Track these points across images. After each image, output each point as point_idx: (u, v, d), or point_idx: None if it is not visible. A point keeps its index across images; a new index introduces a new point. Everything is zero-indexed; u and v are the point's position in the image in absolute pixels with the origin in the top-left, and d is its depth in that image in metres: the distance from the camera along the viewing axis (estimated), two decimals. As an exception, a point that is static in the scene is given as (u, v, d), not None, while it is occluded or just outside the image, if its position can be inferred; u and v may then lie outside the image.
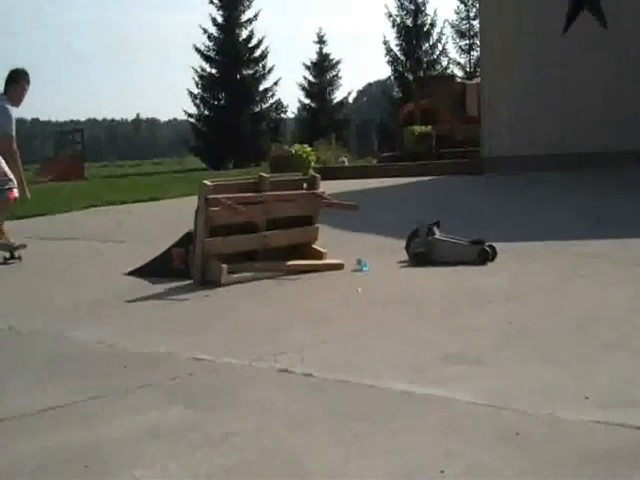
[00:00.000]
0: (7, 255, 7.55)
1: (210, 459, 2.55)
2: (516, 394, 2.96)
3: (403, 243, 6.33)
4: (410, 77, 45.18)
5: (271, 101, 47.45)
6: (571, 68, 13.74)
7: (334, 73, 52.36)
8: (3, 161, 7.59)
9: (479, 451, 2.47)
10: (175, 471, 2.49)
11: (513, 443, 2.51)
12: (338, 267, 6.13)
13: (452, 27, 48.25)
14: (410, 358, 3.54)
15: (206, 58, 46.61)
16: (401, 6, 47.76)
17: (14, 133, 7.69)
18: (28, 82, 7.92)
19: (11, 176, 7.57)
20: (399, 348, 3.74)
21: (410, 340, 3.89)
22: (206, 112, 46.24)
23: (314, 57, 52.16)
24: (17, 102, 7.81)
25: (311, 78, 52.00)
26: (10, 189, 7.55)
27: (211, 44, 46.65)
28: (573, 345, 3.63)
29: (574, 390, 2.97)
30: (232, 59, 45.34)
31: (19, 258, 7.52)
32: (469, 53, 48.05)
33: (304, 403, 3.04)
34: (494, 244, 6.05)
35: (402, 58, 49.04)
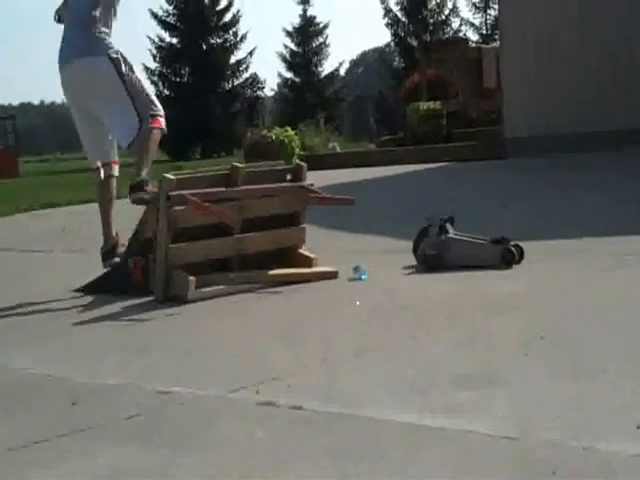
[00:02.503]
0: None
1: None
2: (543, 422, 2.98)
3: (410, 244, 6.35)
4: (414, 42, 45.28)
5: (245, 76, 47.66)
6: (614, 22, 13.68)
7: (321, 40, 52.62)
8: (138, 72, 6.56)
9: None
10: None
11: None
12: (331, 276, 6.14)
13: (463, -20, 48.35)
14: (414, 382, 3.56)
15: (165, 25, 46.62)
16: (400, -45, 47.91)
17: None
18: None
19: (154, 97, 6.66)
20: (402, 371, 3.75)
21: (415, 360, 3.91)
22: (166, 91, 46.30)
23: (296, 21, 52.32)
24: None
25: (293, 47, 52.18)
26: (155, 116, 6.53)
27: (171, 8, 46.69)
28: (612, 359, 3.65)
29: (616, 416, 2.99)
30: (197, 26, 45.39)
31: None
32: (485, 11, 48.27)
33: (290, 441, 3.05)
34: (520, 243, 6.07)
35: (404, 19, 49.18)
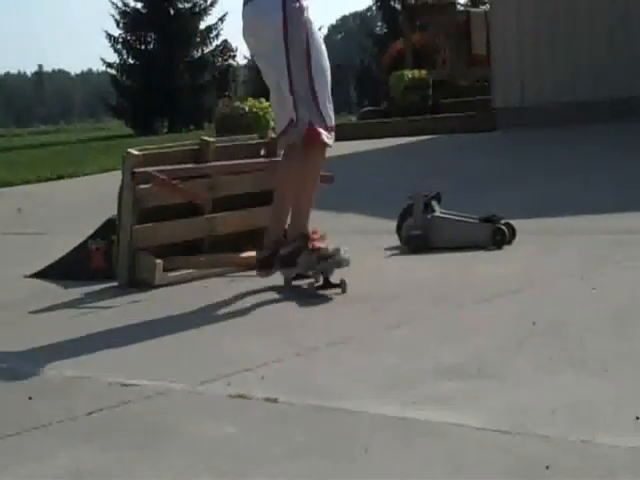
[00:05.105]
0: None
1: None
2: (537, 415, 2.98)
3: (393, 224, 6.34)
4: (398, 6, 45.17)
5: (216, 43, 47.33)
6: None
7: (298, 4, 52.37)
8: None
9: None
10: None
11: None
12: (308, 258, 6.12)
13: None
14: (399, 373, 3.56)
15: (129, -12, 46.34)
16: None
17: None
18: None
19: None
20: (384, 361, 3.75)
21: (398, 350, 3.90)
22: (130, 60, 46.01)
23: (271, -17, 52.07)
24: None
25: (268, 11, 51.91)
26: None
27: (134, -31, 46.40)
28: (610, 347, 3.66)
29: (614, 408, 3.00)
30: (163, -11, 45.12)
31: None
32: (474, -27, 48.11)
33: (265, 438, 3.04)
34: (511, 222, 6.07)
35: (386, -19, 49.03)
